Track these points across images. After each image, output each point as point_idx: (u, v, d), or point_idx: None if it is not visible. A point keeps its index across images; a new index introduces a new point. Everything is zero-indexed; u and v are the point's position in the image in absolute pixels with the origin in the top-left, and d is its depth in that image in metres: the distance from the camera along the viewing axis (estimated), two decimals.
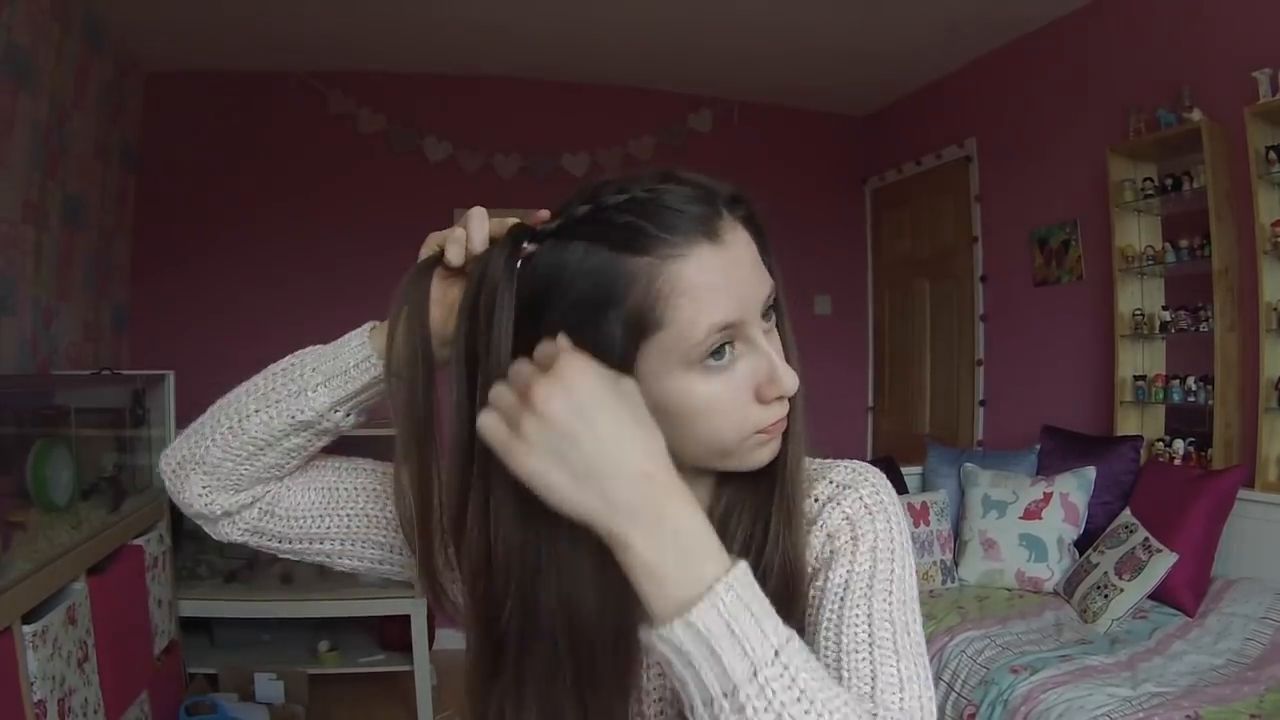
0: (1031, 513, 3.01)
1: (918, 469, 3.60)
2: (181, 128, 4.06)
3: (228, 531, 0.76)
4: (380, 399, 0.72)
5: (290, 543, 0.76)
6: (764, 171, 4.51)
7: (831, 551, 0.67)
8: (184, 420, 3.08)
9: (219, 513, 0.74)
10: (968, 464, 3.31)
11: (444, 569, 0.74)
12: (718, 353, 0.60)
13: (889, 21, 3.65)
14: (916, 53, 4.05)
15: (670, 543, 0.52)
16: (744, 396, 0.62)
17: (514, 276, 0.60)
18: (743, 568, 0.52)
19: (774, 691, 0.49)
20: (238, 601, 3.25)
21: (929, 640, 2.64)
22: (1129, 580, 2.61)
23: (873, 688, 0.60)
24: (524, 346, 0.58)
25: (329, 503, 0.76)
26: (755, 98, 4.67)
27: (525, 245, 0.62)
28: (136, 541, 2.61)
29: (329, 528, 0.76)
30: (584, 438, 0.52)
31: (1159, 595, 2.60)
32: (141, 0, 3.28)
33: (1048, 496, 3.01)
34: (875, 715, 0.58)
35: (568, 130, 4.43)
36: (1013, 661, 2.37)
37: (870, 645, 0.62)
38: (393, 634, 3.46)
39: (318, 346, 0.74)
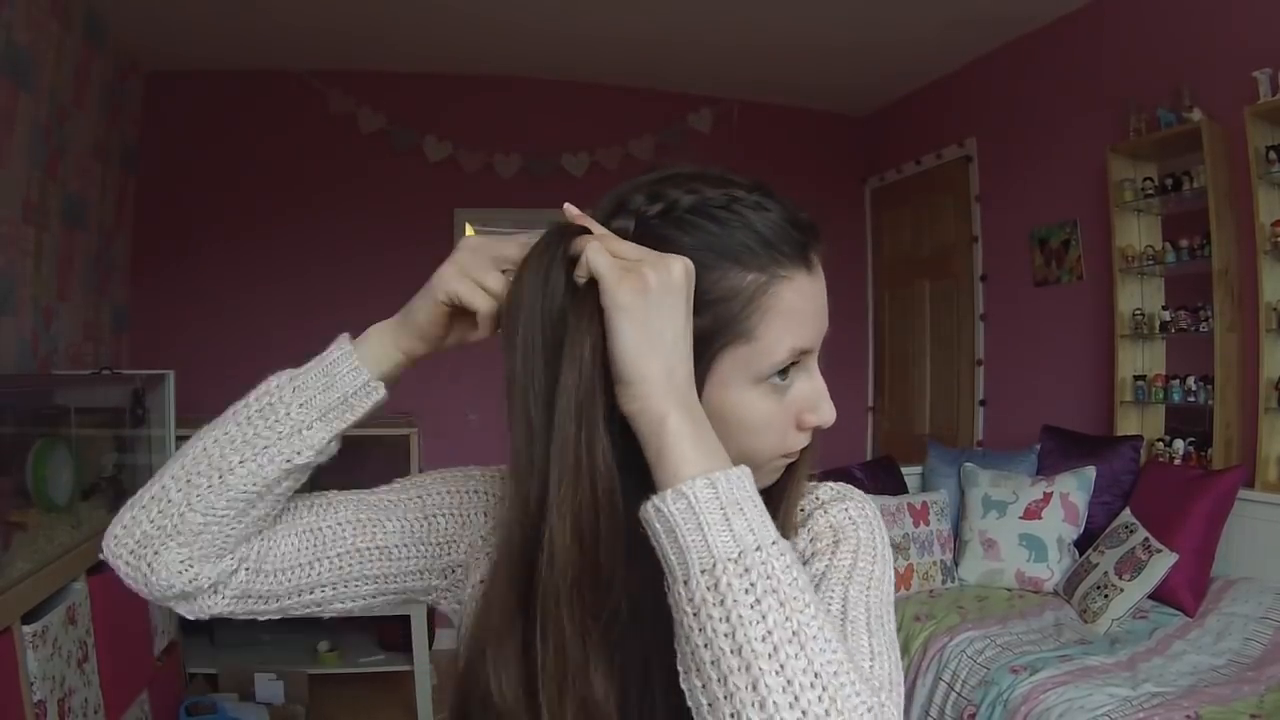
0: (1031, 513, 3.01)
1: (918, 469, 3.60)
2: (181, 128, 4.06)
3: (211, 604, 0.68)
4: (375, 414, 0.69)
5: (279, 600, 0.70)
6: (764, 171, 4.44)
7: (813, 553, 0.67)
8: (185, 420, 3.10)
9: (205, 585, 0.66)
10: (968, 464, 3.31)
11: (443, 584, 0.75)
12: (783, 372, 0.62)
13: (889, 21, 3.65)
14: (916, 53, 4.05)
15: (698, 431, 0.55)
16: (788, 419, 0.64)
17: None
18: (748, 471, 0.54)
19: (757, 577, 0.50)
20: None
21: (929, 640, 2.65)
22: (1129, 580, 2.61)
23: None
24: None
25: (315, 546, 0.70)
26: (755, 98, 4.67)
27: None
28: None
29: (320, 573, 0.71)
30: (680, 315, 0.56)
31: (1159, 595, 2.60)
32: (141, 0, 3.28)
33: (1048, 496, 3.01)
34: None
35: (568, 130, 4.44)
36: (1013, 661, 2.37)
37: (843, 619, 0.62)
38: (392, 634, 3.46)
39: (288, 374, 0.68)
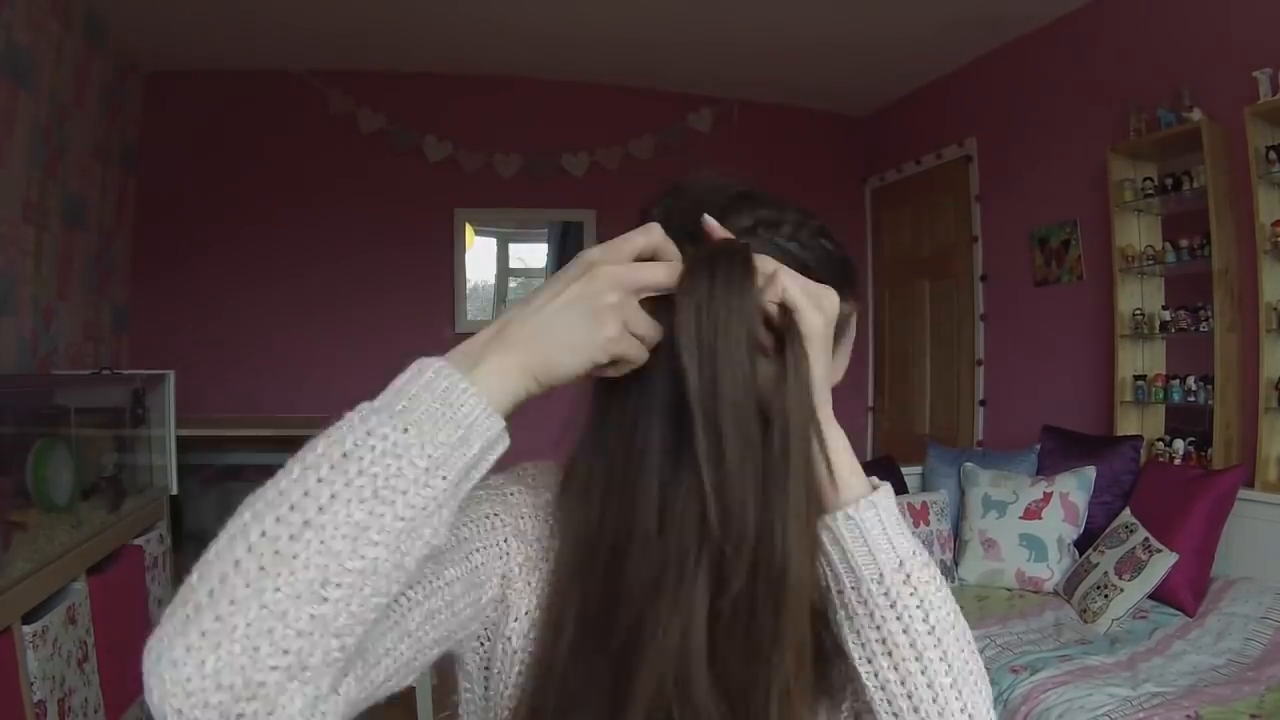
0: (1031, 513, 3.01)
1: (918, 469, 3.60)
2: (181, 128, 4.07)
3: None
4: None
5: (370, 698, 0.56)
6: (764, 171, 4.47)
7: None
8: (185, 420, 3.09)
9: None
10: (968, 464, 3.31)
11: (479, 630, 0.66)
12: None
13: (889, 21, 3.65)
14: (916, 53, 4.05)
15: (847, 446, 0.63)
16: None
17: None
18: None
19: (927, 578, 0.61)
20: None
21: None
22: (1129, 580, 2.61)
23: None
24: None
25: (396, 624, 0.56)
26: (755, 97, 4.67)
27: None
28: (136, 541, 2.61)
29: (403, 650, 0.57)
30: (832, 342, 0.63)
31: (1159, 595, 2.60)
32: (141, 0, 3.28)
33: (1048, 496, 3.01)
34: None
35: (568, 130, 4.44)
36: (1013, 661, 2.37)
37: None
38: None
39: (395, 423, 0.49)
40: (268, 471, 0.49)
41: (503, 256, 4.66)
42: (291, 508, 0.47)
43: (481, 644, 0.66)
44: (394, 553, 0.48)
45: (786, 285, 0.58)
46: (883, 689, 0.60)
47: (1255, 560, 2.63)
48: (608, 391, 0.62)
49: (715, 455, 0.56)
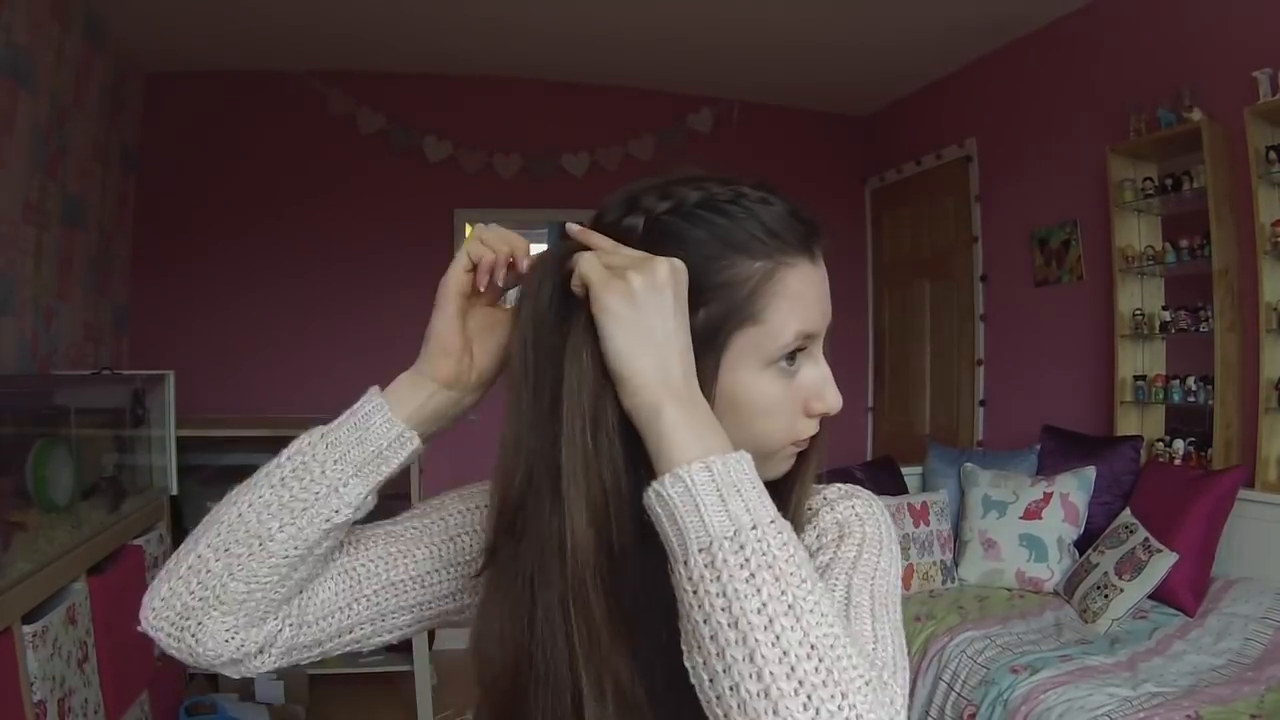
0: (1031, 513, 3.01)
1: (918, 469, 3.60)
2: (181, 128, 4.07)
3: (259, 664, 0.67)
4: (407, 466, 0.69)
5: (321, 645, 0.70)
6: (764, 171, 4.43)
7: (819, 547, 0.68)
8: (185, 420, 3.09)
9: (253, 650, 0.66)
10: (968, 464, 3.31)
11: (475, 602, 0.72)
12: (790, 357, 0.64)
13: (889, 22, 3.65)
14: (916, 53, 4.05)
15: (695, 420, 0.56)
16: (797, 405, 0.66)
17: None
18: (747, 456, 0.56)
19: (752, 554, 0.51)
20: None
21: (929, 640, 2.65)
22: (1129, 580, 2.61)
23: None
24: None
25: (351, 587, 0.71)
26: (755, 98, 4.67)
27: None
28: (136, 541, 2.61)
29: (359, 612, 0.71)
30: (669, 313, 0.58)
31: (1159, 595, 2.60)
32: (141, 0, 3.28)
33: (1048, 496, 3.01)
34: None
35: (568, 130, 4.44)
36: (1013, 661, 2.37)
37: (846, 605, 0.62)
38: None
39: (319, 431, 0.67)
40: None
41: None
42: (239, 489, 0.67)
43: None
44: (290, 526, 0.64)
45: (582, 269, 0.59)
46: (700, 688, 0.51)
47: (1255, 560, 2.63)
48: None
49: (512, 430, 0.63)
